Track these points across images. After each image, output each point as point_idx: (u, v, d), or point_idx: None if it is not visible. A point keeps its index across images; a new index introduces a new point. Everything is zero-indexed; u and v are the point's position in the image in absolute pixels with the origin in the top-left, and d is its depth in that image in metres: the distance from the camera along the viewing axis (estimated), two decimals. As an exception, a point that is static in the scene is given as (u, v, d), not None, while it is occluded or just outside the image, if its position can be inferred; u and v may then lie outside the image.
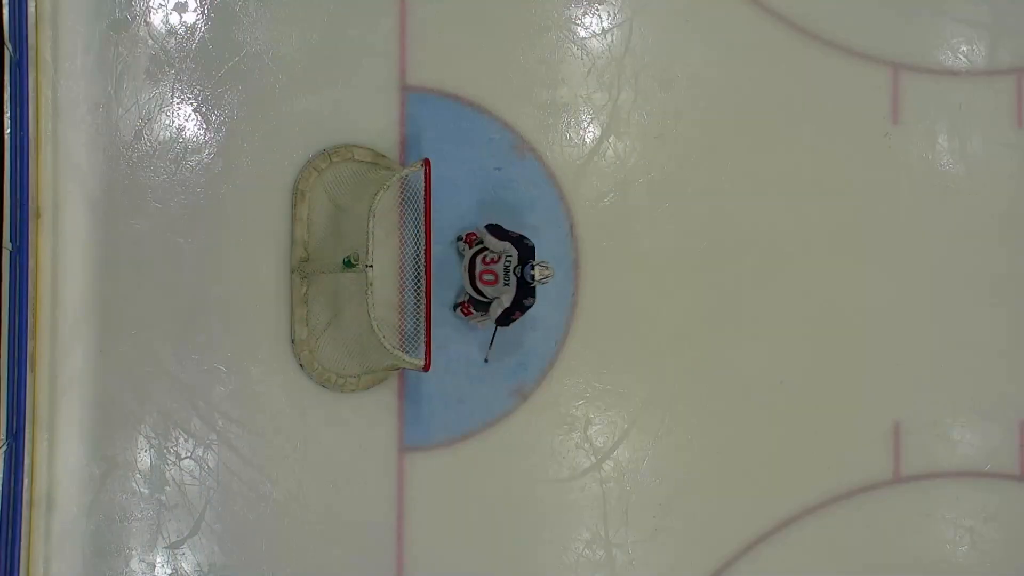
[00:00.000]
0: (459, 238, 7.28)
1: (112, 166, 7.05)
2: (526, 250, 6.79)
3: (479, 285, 6.98)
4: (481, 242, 7.07)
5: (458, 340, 7.31)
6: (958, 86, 7.94)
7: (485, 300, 7.04)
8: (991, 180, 7.98)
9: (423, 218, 6.75)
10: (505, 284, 6.81)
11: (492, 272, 6.88)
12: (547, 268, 6.70)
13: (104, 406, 6.99)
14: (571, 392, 7.50)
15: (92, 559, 6.98)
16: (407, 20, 7.35)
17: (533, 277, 6.69)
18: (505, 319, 6.87)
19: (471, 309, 7.13)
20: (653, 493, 7.53)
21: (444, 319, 7.18)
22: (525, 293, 6.77)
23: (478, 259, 7.00)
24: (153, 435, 7.05)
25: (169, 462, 7.05)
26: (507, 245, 6.85)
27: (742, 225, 7.68)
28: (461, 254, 7.23)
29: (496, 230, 6.96)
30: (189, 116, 7.14)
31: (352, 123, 7.27)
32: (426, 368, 6.63)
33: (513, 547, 7.39)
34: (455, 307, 7.26)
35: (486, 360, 7.28)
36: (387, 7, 7.34)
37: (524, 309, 6.83)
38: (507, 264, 6.80)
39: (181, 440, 7.06)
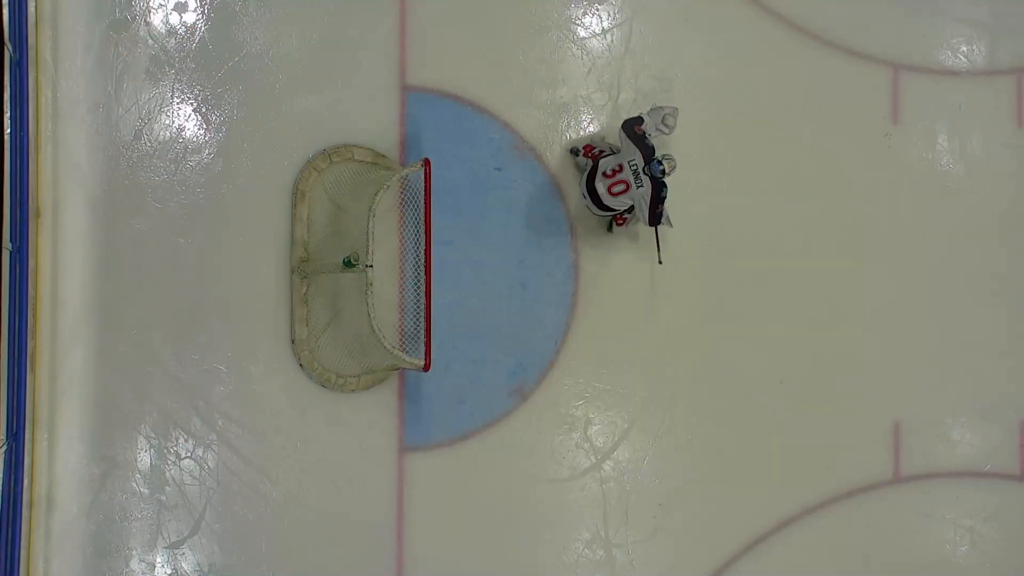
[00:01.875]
0: (574, 152, 7.41)
1: (112, 166, 7.05)
2: (648, 149, 6.94)
3: (609, 202, 7.13)
4: (603, 153, 7.24)
5: (459, 339, 7.32)
6: (958, 86, 7.94)
7: (617, 212, 7.23)
8: (991, 180, 7.98)
9: (423, 218, 6.75)
10: (638, 187, 6.97)
11: (621, 182, 7.05)
12: (672, 160, 7.02)
13: (104, 406, 6.99)
14: (571, 392, 7.51)
15: (92, 559, 6.98)
16: (407, 20, 7.35)
17: (663, 172, 6.93)
18: (656, 217, 7.02)
19: (625, 215, 7.31)
20: (653, 493, 7.53)
21: (444, 319, 7.18)
22: (660, 187, 6.94)
23: (597, 181, 7.12)
24: (153, 435, 7.05)
25: (169, 462, 7.05)
26: (629, 148, 6.98)
27: (742, 225, 7.68)
28: (583, 169, 7.37)
29: (629, 126, 7.02)
30: (189, 116, 7.14)
31: (352, 123, 7.27)
32: (426, 368, 6.64)
33: (513, 547, 7.39)
34: (610, 228, 7.46)
35: (660, 262, 7.28)
36: (387, 7, 7.34)
37: (664, 200, 6.99)
38: (633, 168, 6.96)
39: (181, 440, 7.06)
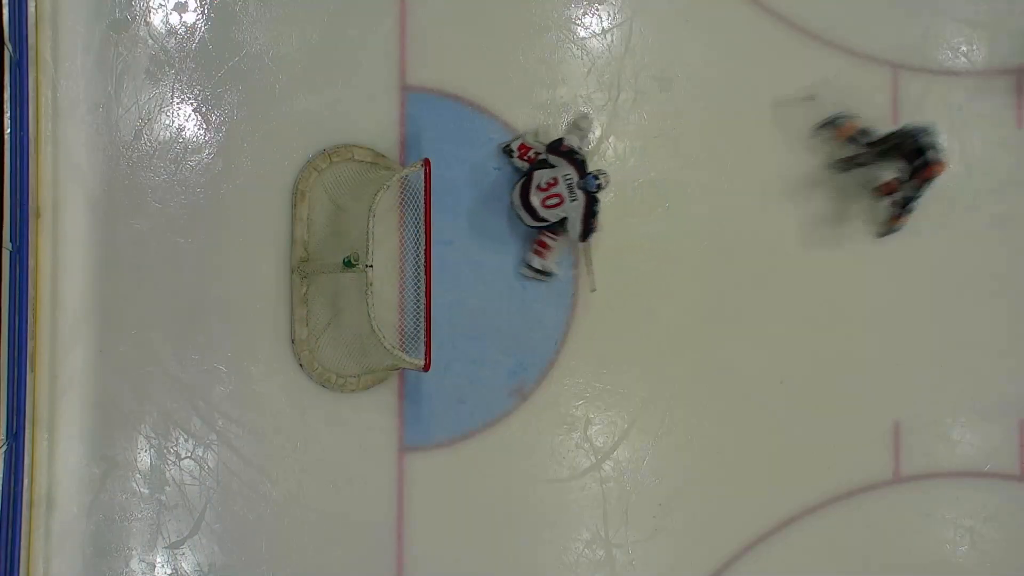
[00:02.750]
0: (508, 150, 7.34)
1: (112, 166, 7.06)
2: (581, 165, 7.10)
3: (543, 213, 7.15)
4: (540, 163, 7.19)
5: (459, 339, 7.32)
6: (958, 86, 7.93)
7: (550, 223, 7.20)
8: (991, 180, 7.97)
9: (423, 218, 6.75)
10: (572, 200, 7.08)
11: (555, 195, 7.11)
12: (606, 173, 7.12)
13: (104, 406, 7.00)
14: (571, 392, 7.51)
15: (92, 559, 6.98)
16: (407, 20, 7.35)
17: (599, 186, 7.06)
18: (588, 233, 7.14)
19: (547, 241, 7.31)
20: (653, 493, 7.53)
21: (444, 319, 7.18)
22: (592, 200, 7.09)
23: (532, 194, 7.13)
24: (153, 435, 7.05)
25: (169, 462, 7.06)
26: (562, 164, 7.08)
27: (742, 225, 7.67)
28: (520, 170, 7.34)
29: (554, 147, 7.16)
30: (189, 116, 7.14)
31: (352, 123, 7.27)
32: (426, 368, 6.63)
33: (513, 547, 7.40)
34: (528, 266, 7.38)
35: (593, 290, 7.34)
36: (387, 7, 7.35)
37: (596, 215, 7.13)
38: (568, 182, 7.08)
39: (181, 440, 7.06)
